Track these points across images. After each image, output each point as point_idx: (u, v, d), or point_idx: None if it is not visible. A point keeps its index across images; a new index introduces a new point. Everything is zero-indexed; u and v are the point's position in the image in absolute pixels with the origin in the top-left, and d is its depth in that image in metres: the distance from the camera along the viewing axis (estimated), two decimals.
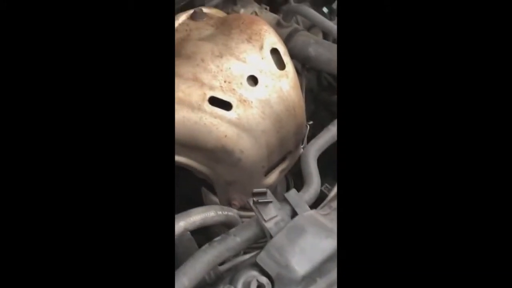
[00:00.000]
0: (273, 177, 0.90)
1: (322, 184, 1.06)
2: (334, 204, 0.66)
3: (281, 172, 0.91)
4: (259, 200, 0.60)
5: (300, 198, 0.65)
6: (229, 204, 0.93)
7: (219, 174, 0.84)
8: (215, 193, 0.92)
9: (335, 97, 1.11)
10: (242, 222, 0.71)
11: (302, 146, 0.95)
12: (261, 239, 0.63)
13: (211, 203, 0.93)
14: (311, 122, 1.00)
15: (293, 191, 0.65)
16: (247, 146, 0.80)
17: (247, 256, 0.71)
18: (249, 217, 0.67)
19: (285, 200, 0.64)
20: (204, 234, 0.83)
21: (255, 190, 0.61)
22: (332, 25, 0.93)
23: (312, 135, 1.01)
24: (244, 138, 0.78)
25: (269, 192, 0.63)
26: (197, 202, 0.94)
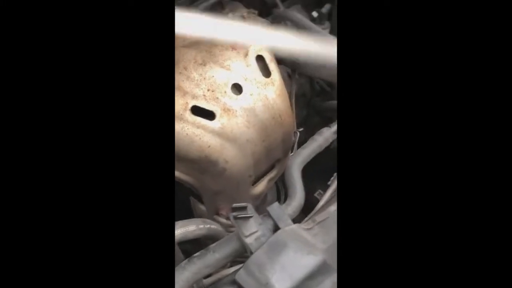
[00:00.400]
0: (261, 186, 0.88)
1: (315, 190, 1.05)
2: (319, 217, 0.64)
3: (269, 180, 0.89)
4: (239, 216, 0.58)
5: (283, 212, 0.63)
6: (217, 213, 0.91)
7: (205, 184, 0.82)
8: (203, 203, 0.90)
9: (327, 103, 1.09)
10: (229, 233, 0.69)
11: (291, 154, 0.93)
12: (242, 254, 0.62)
13: (200, 212, 0.92)
14: (301, 129, 0.98)
15: (275, 204, 0.63)
16: (231, 156, 0.78)
17: (232, 269, 0.69)
18: None
19: (267, 214, 0.62)
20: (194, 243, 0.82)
21: (235, 205, 0.59)
22: (320, 30, 0.91)
23: (303, 141, 1.00)
24: (228, 148, 0.76)
25: (250, 206, 0.61)
26: (186, 211, 0.92)
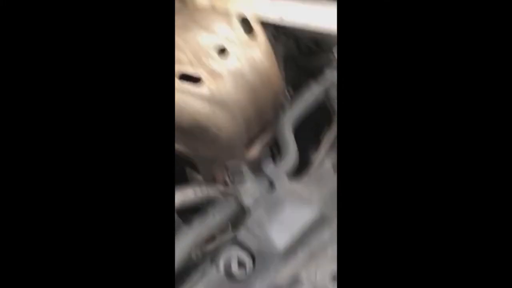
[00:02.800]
0: (255, 150, 0.88)
1: (307, 149, 1.05)
2: (313, 171, 0.64)
3: (263, 145, 0.89)
4: (236, 177, 0.59)
5: (278, 170, 0.63)
6: (214, 181, 0.92)
7: (199, 153, 0.82)
8: (199, 172, 0.90)
9: (315, 59, 1.07)
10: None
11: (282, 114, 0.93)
12: (241, 215, 0.62)
13: (197, 182, 0.92)
14: (290, 89, 0.97)
15: (270, 164, 0.64)
16: (222, 121, 0.77)
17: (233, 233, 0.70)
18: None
19: (262, 173, 0.63)
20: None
21: (231, 167, 0.59)
22: None
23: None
24: (219, 113, 0.76)
25: (245, 168, 0.61)
26: (183, 182, 0.92)
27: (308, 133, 0.78)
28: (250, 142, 0.87)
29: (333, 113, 0.82)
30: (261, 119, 0.84)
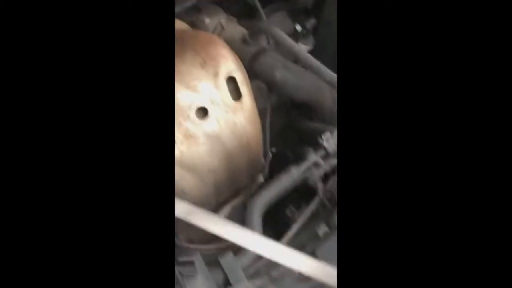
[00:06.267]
0: (223, 214, 0.82)
1: (286, 206, 0.99)
2: (275, 272, 0.58)
3: (233, 207, 0.83)
4: (185, 273, 0.52)
5: (236, 264, 0.57)
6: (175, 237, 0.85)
7: None
8: None
9: (306, 123, 1.02)
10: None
11: (262, 176, 0.87)
12: None
13: None
14: (274, 150, 0.91)
15: (229, 255, 0.57)
16: (189, 186, 0.71)
17: None
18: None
19: (218, 265, 0.57)
20: None
21: (180, 259, 0.53)
22: (301, 50, 0.83)
23: (278, 157, 0.93)
24: (186, 178, 0.70)
25: (198, 260, 0.55)
26: None
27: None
28: (219, 206, 0.81)
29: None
30: (233, 184, 0.78)
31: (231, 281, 0.55)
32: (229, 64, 0.73)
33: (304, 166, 0.73)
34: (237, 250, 0.65)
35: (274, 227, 0.76)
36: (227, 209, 0.82)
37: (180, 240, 0.86)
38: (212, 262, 0.56)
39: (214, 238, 0.86)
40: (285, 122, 1.09)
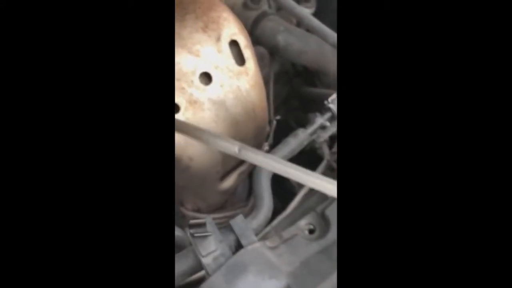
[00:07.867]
0: (230, 181, 0.81)
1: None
2: (286, 233, 0.58)
3: (239, 174, 0.83)
4: (196, 234, 0.52)
5: (247, 226, 0.57)
6: (182, 205, 0.86)
7: None
8: None
9: (309, 89, 1.01)
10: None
11: (267, 143, 0.87)
12: (199, 271, 0.56)
13: None
14: (278, 117, 0.90)
15: (239, 218, 0.57)
16: (197, 153, 0.71)
17: None
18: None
19: (229, 228, 0.57)
20: None
21: (192, 221, 0.53)
22: (305, 13, 0.82)
23: (281, 125, 0.92)
24: (193, 144, 0.69)
25: (209, 222, 0.54)
26: None
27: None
28: (225, 174, 0.81)
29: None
30: None
31: (243, 242, 0.55)
32: (231, 28, 0.71)
33: (311, 129, 0.72)
34: (248, 213, 0.65)
35: (282, 190, 0.76)
36: (234, 175, 0.82)
37: (187, 209, 0.86)
38: (223, 227, 0.56)
39: (221, 207, 0.88)
40: (288, 90, 1.08)
